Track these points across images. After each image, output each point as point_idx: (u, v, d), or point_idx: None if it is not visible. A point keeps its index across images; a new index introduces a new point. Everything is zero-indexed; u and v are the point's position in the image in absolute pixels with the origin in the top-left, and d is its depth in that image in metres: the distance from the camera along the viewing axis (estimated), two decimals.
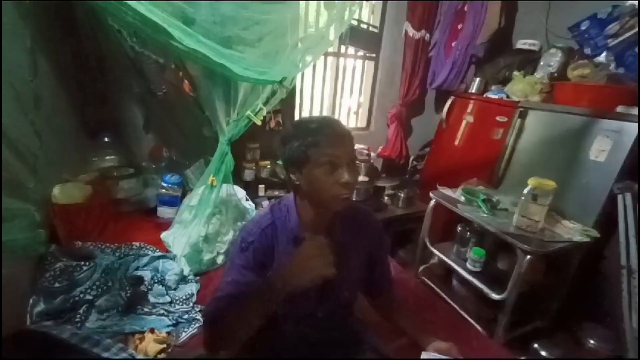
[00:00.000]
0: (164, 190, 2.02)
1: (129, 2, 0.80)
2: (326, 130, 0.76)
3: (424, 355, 0.91)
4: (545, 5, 2.19)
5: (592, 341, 1.62)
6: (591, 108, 1.65)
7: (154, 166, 2.17)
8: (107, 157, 2.03)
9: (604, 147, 1.57)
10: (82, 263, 1.24)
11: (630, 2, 1.49)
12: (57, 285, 1.16)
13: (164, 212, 2.03)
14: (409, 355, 1.03)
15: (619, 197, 1.51)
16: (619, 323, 1.50)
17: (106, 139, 2.03)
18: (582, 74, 1.75)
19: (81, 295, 1.17)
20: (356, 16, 2.49)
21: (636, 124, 1.47)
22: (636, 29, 1.67)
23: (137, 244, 1.58)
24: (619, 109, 1.59)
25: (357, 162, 0.82)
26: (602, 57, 1.76)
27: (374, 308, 1.13)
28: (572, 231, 1.55)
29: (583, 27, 1.83)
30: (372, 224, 0.99)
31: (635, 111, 1.52)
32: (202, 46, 0.98)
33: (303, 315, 0.92)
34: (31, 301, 1.13)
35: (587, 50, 1.83)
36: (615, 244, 1.53)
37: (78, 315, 1.13)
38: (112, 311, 1.19)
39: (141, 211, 1.99)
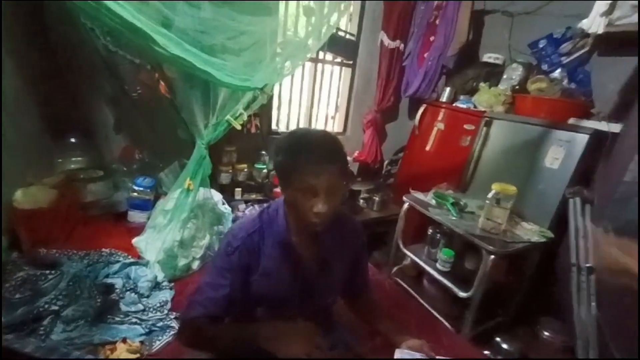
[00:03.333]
0: (135, 194, 1.96)
1: (113, 6, 0.78)
2: (312, 156, 0.73)
3: (397, 352, 0.96)
4: (508, 23, 2.36)
5: (547, 333, 1.76)
6: (547, 119, 1.80)
7: (124, 168, 2.09)
8: (74, 159, 1.94)
9: (558, 156, 1.72)
10: (47, 271, 1.18)
11: (580, 25, 1.65)
12: (18, 295, 1.10)
13: (135, 216, 1.97)
14: (383, 353, 1.08)
15: (570, 201, 1.65)
16: (570, 316, 1.64)
17: (73, 140, 1.93)
18: (539, 88, 1.90)
19: (46, 306, 1.11)
20: (333, 18, 2.55)
21: (586, 135, 1.63)
22: (586, 49, 1.85)
23: (107, 250, 1.52)
24: (571, 121, 1.75)
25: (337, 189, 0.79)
26: (557, 73, 1.93)
27: (350, 309, 1.16)
28: (531, 232, 1.68)
29: (541, 45, 1.99)
30: (356, 231, 1.01)
31: (585, 123, 1.68)
32: (187, 53, 0.98)
33: (284, 319, 0.90)
34: None
35: (544, 66, 2.00)
36: (567, 244, 1.68)
37: (42, 327, 1.07)
38: (80, 321, 1.14)
39: (110, 215, 1.91)
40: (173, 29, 1.03)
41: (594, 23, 1.48)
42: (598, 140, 1.60)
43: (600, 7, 1.44)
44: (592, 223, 1.59)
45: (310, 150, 0.74)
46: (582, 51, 1.85)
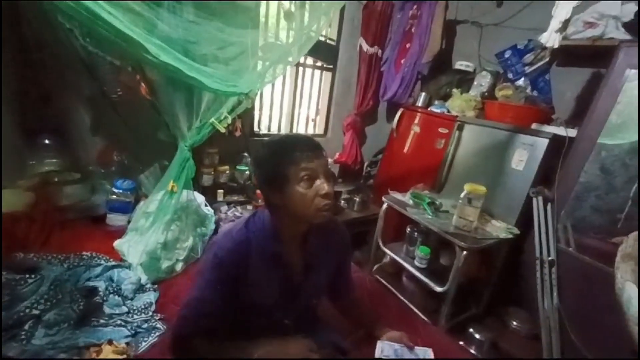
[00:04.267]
0: (114, 197, 1.92)
1: (108, 17, 0.80)
2: (299, 147, 0.78)
3: (378, 344, 1.03)
4: (478, 33, 2.53)
5: (515, 323, 1.90)
6: (513, 124, 1.95)
7: (102, 171, 2.04)
8: (47, 161, 1.87)
9: (522, 158, 1.87)
10: (27, 276, 1.15)
11: (539, 38, 1.80)
12: None
13: (114, 219, 1.93)
14: (366, 345, 1.14)
15: (534, 200, 1.80)
16: (535, 306, 1.78)
17: (46, 141, 1.86)
18: (506, 95, 2.05)
19: (26, 311, 1.09)
20: (314, 28, 2.62)
21: (546, 140, 1.78)
22: (545, 60, 2.02)
23: (88, 253, 1.49)
24: (534, 126, 1.90)
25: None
26: (521, 82, 2.09)
27: (334, 307, 1.21)
28: (499, 229, 1.81)
29: (506, 55, 2.14)
30: (342, 235, 1.04)
31: (545, 128, 1.84)
32: (177, 61, 1.00)
33: (270, 323, 0.94)
34: None
35: (510, 75, 2.15)
36: (531, 239, 1.82)
37: (23, 332, 1.05)
38: (63, 325, 1.12)
39: (89, 219, 1.86)
40: (166, 38, 1.05)
41: (551, 38, 1.63)
42: (557, 143, 1.75)
43: (555, 23, 1.59)
44: (553, 220, 1.75)
45: (297, 143, 0.79)
46: (542, 62, 2.01)
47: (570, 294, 1.69)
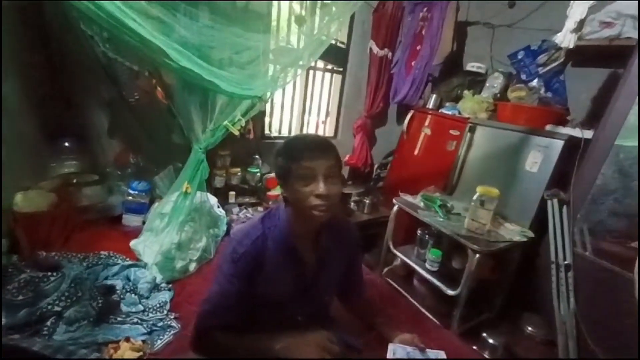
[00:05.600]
0: (130, 198, 1.97)
1: (134, 26, 0.84)
2: (307, 146, 0.81)
3: (390, 346, 1.02)
4: (490, 34, 2.50)
5: (530, 328, 1.86)
6: (526, 126, 1.92)
7: (119, 172, 2.10)
8: (67, 163, 1.94)
9: (537, 160, 1.84)
10: (49, 274, 1.20)
11: (554, 39, 1.78)
12: (20, 297, 1.11)
13: (130, 219, 1.98)
14: (377, 348, 1.14)
15: (549, 202, 1.76)
16: (551, 311, 1.74)
17: (66, 144, 1.94)
18: (519, 96, 2.02)
19: (49, 307, 1.13)
20: (325, 32, 2.65)
21: (561, 141, 1.75)
22: (560, 61, 1.98)
23: (105, 252, 1.54)
24: (548, 127, 1.87)
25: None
26: (535, 83, 2.06)
27: (345, 307, 1.22)
28: (513, 232, 1.78)
29: (519, 56, 2.12)
30: (352, 234, 1.06)
31: (560, 130, 1.81)
32: (196, 66, 1.04)
33: (284, 319, 0.95)
34: None
35: (523, 76, 2.12)
36: (547, 243, 1.79)
37: (45, 328, 1.09)
38: (82, 322, 1.16)
39: (105, 219, 1.92)
40: (185, 44, 1.09)
41: (566, 38, 1.60)
42: (572, 145, 1.72)
43: (570, 24, 1.57)
44: (569, 223, 1.71)
45: (305, 142, 0.83)
46: (557, 63, 1.98)
47: (587, 299, 1.65)
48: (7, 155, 1.26)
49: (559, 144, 1.75)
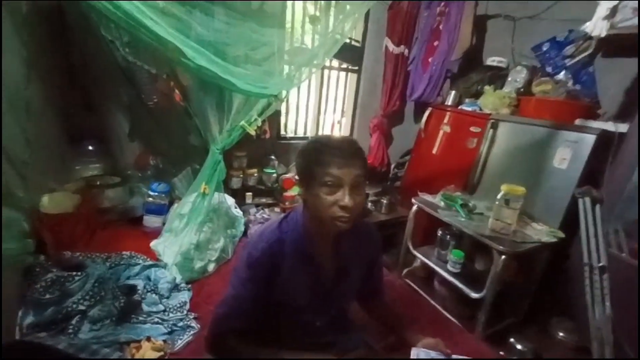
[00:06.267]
0: (150, 199, 2.00)
1: (151, 25, 0.84)
2: (334, 151, 0.76)
3: (413, 351, 0.98)
4: (511, 27, 2.41)
5: (561, 333, 1.77)
6: (553, 120, 1.83)
7: (139, 174, 2.15)
8: (91, 165, 2.00)
9: (566, 156, 1.74)
10: (74, 273, 1.23)
11: (583, 28, 1.69)
12: (47, 296, 1.14)
13: (150, 220, 2.01)
14: (399, 352, 1.10)
15: (580, 201, 1.67)
16: (584, 316, 1.65)
17: (90, 147, 2.00)
18: (544, 90, 1.93)
19: (74, 306, 1.16)
20: (340, 30, 2.63)
21: (592, 136, 1.65)
22: (589, 51, 1.88)
23: (127, 253, 1.56)
24: (577, 121, 1.77)
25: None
26: (561, 75, 1.96)
27: (365, 310, 1.18)
28: (541, 232, 1.70)
29: (544, 48, 2.03)
30: (373, 238, 1.02)
31: (591, 124, 1.71)
32: (212, 64, 1.04)
33: (302, 324, 0.94)
34: (20, 313, 1.10)
35: (548, 69, 2.03)
36: (578, 244, 1.69)
37: (70, 326, 1.12)
38: (105, 321, 1.18)
39: (127, 220, 1.97)
40: (201, 41, 1.09)
41: (597, 26, 1.52)
42: (605, 140, 1.62)
43: (602, 11, 1.48)
44: (603, 222, 1.61)
45: (334, 146, 0.77)
46: (586, 53, 1.88)
47: (623, 304, 1.55)
48: (34, 158, 1.30)
49: (590, 138, 1.66)
